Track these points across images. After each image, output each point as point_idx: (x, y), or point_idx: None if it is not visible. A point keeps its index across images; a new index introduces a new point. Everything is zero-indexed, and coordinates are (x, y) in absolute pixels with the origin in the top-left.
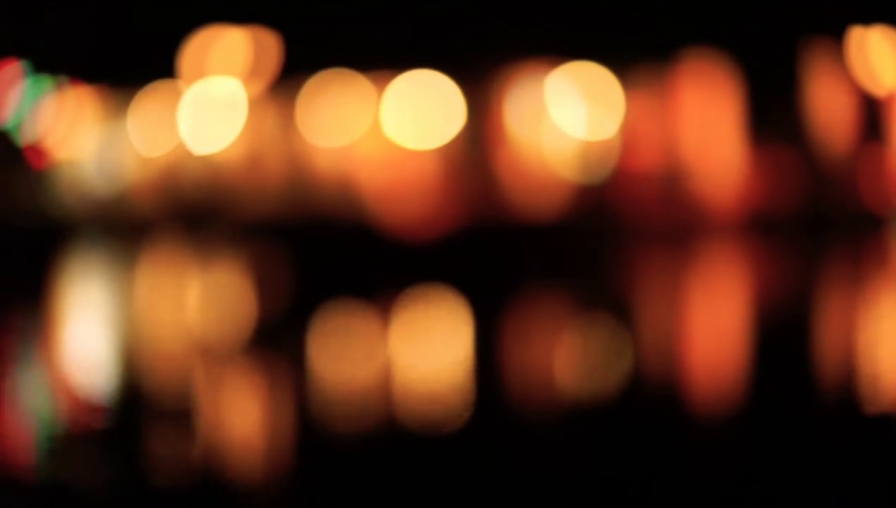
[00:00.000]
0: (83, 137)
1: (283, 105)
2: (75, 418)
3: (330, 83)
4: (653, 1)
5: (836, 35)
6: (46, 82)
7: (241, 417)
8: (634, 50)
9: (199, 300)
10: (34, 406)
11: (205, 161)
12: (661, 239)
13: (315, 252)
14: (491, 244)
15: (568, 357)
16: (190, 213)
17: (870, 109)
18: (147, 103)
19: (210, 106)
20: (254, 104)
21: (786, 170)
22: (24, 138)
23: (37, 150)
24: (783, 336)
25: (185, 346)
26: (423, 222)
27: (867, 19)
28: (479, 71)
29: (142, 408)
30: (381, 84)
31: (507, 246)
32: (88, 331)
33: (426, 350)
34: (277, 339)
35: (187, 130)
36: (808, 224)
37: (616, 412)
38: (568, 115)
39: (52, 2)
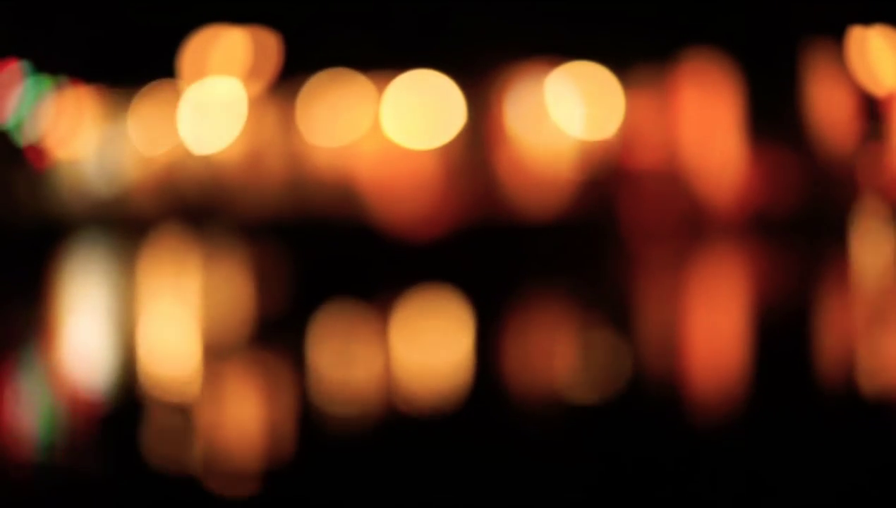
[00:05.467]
0: (83, 137)
1: (283, 105)
2: (76, 417)
3: (330, 83)
4: (653, 1)
5: (836, 35)
6: (46, 82)
7: (241, 416)
8: (634, 50)
9: (199, 300)
10: (35, 405)
11: (205, 161)
12: (661, 238)
13: (315, 252)
14: (491, 244)
15: (568, 356)
16: (190, 213)
17: (870, 109)
18: (147, 103)
19: (210, 106)
20: (254, 104)
21: (786, 170)
22: (25, 138)
23: (37, 150)
24: (783, 336)
25: (185, 346)
26: (423, 222)
27: (867, 19)
28: (479, 71)
29: (142, 408)
30: (381, 84)
31: (507, 245)
32: (88, 331)
33: (426, 350)
34: (277, 339)
35: (187, 130)
36: (808, 224)
37: (616, 411)
38: (568, 115)
39: (52, 2)
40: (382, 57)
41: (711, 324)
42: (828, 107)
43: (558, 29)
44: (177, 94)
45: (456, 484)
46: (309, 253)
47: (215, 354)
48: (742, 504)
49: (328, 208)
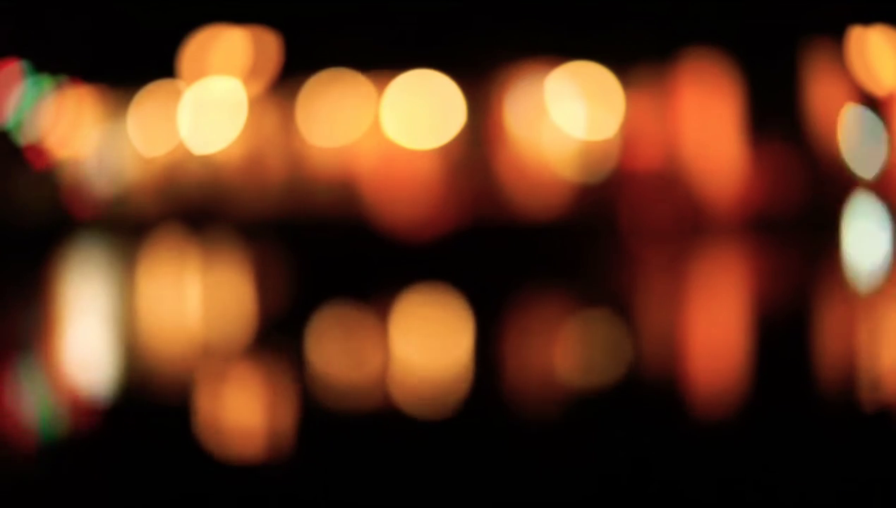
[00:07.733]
0: (83, 137)
1: (283, 105)
2: (76, 417)
3: (330, 83)
4: (653, 1)
5: (836, 35)
6: (46, 82)
7: (241, 417)
8: (634, 50)
9: (199, 300)
10: (35, 405)
11: (205, 161)
12: (661, 239)
13: (315, 252)
14: (491, 244)
15: (567, 356)
16: (190, 213)
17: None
18: (147, 103)
19: (210, 106)
20: (254, 104)
21: (786, 170)
22: (25, 138)
23: (37, 150)
24: (782, 335)
25: (185, 346)
26: (423, 222)
27: (867, 19)
28: (479, 71)
29: (142, 408)
30: (381, 84)
31: (507, 246)
32: (89, 331)
33: (426, 349)
34: (277, 339)
35: (187, 130)
36: (808, 223)
37: (615, 411)
38: (568, 115)
39: (52, 2)
40: (382, 57)
41: (711, 324)
42: (828, 107)
43: (558, 29)
44: (177, 94)
45: (457, 483)
46: (309, 252)
47: (215, 354)
48: (739, 501)
49: (328, 208)
